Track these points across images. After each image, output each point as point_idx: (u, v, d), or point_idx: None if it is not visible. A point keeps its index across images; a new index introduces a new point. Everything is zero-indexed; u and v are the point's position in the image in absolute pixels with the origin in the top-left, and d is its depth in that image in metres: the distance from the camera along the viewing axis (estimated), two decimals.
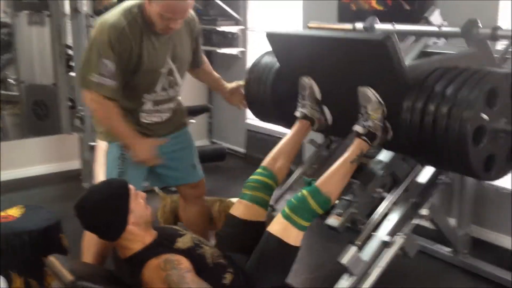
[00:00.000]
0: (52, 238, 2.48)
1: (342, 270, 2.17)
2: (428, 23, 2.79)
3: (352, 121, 2.18)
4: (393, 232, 2.21)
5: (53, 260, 1.89)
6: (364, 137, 2.11)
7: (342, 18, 3.93)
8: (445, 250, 3.12)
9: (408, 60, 2.75)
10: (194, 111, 4.29)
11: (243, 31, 5.00)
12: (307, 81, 2.35)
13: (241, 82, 2.80)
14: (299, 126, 2.40)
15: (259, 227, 2.16)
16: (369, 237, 2.23)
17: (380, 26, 2.76)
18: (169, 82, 2.40)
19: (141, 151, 2.34)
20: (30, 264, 2.39)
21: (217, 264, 1.95)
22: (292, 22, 4.54)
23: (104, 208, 1.85)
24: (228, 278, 1.95)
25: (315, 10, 4.26)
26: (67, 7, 4.70)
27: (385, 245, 2.20)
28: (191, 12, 2.42)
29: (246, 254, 2.09)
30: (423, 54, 2.76)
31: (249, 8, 4.96)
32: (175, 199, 2.90)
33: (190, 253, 1.90)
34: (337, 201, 2.40)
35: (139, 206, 1.90)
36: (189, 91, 4.97)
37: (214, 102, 5.46)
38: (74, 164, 4.57)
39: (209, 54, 5.34)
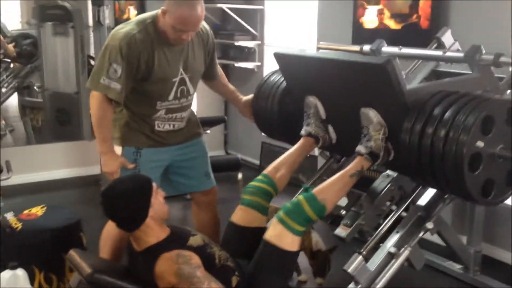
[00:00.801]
0: (72, 236, 2.58)
1: (350, 280, 2.22)
2: (440, 43, 2.88)
3: (356, 140, 2.23)
4: (399, 244, 2.25)
5: (73, 254, 2.00)
6: (367, 156, 2.17)
7: (356, 35, 4.02)
8: (456, 267, 3.15)
9: (420, 77, 2.85)
10: (210, 122, 4.37)
11: (260, 46, 5.12)
12: (312, 100, 2.41)
13: None
14: (304, 142, 2.46)
15: (258, 233, 2.19)
16: (376, 248, 2.27)
17: (386, 48, 2.81)
18: (181, 92, 2.50)
19: (107, 163, 2.42)
20: (51, 260, 2.49)
21: (224, 266, 2.03)
22: (307, 37, 4.65)
23: (128, 199, 1.96)
24: (234, 281, 2.02)
25: (330, 27, 4.36)
26: (90, 19, 4.86)
27: (391, 256, 2.23)
28: (205, 26, 2.54)
29: (247, 259, 2.16)
30: (434, 72, 2.86)
31: (266, 24, 5.08)
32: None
33: (201, 251, 1.99)
34: (343, 212, 2.48)
35: (159, 202, 2.01)
36: (205, 102, 5.11)
37: (230, 113, 5.56)
38: (94, 169, 4.66)
39: (226, 67, 5.46)
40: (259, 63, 5.13)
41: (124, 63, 2.30)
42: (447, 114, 1.94)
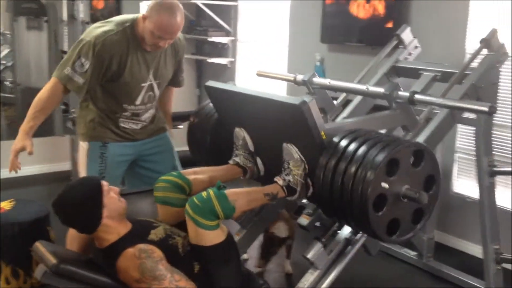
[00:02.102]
0: (40, 230, 2.58)
1: (310, 266, 2.29)
2: (400, 39, 2.98)
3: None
4: (356, 231, 2.31)
5: (39, 245, 2.01)
6: (284, 188, 2.18)
7: (325, 27, 4.11)
8: (411, 253, 3.30)
9: (381, 72, 2.94)
10: (182, 117, 4.37)
11: (233, 42, 5.18)
12: (241, 133, 2.41)
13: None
14: (230, 167, 2.42)
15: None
16: (334, 235, 2.35)
17: (317, 80, 2.86)
18: (149, 97, 2.55)
19: (16, 141, 2.46)
20: (19, 254, 2.49)
21: (187, 254, 2.05)
22: (280, 33, 4.73)
23: (78, 205, 1.98)
24: (196, 267, 2.04)
25: (301, 23, 4.46)
26: (64, 14, 4.86)
27: (348, 242, 2.31)
28: (181, 37, 2.58)
29: None
30: (394, 68, 2.95)
31: (239, 20, 5.14)
32: None
33: (162, 244, 2.01)
34: (306, 201, 2.56)
35: (112, 200, 2.02)
36: (178, 97, 5.09)
37: None
38: (65, 165, 4.69)
39: (200, 63, 5.53)
40: (232, 59, 5.19)
41: (93, 60, 2.32)
42: (358, 153, 1.98)
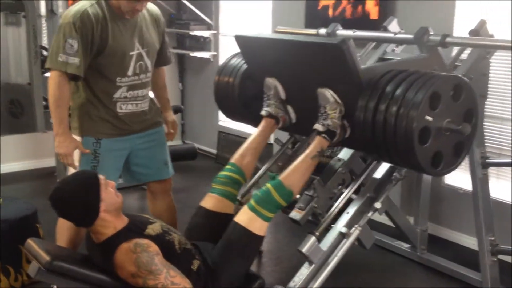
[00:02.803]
0: (29, 227, 2.58)
1: (305, 260, 2.29)
2: (386, 31, 2.99)
3: (314, 120, 2.31)
4: (350, 224, 2.34)
5: (31, 242, 1.99)
6: (324, 135, 2.26)
7: (309, 24, 4.11)
8: (405, 246, 3.31)
9: (368, 64, 2.95)
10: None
11: (215, 36, 5.15)
12: (272, 82, 2.48)
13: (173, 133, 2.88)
14: (265, 124, 2.53)
15: (227, 218, 2.26)
16: (328, 228, 2.36)
17: (341, 31, 2.93)
18: (140, 67, 2.53)
19: (61, 144, 2.41)
20: (8, 251, 2.49)
21: (184, 251, 2.07)
22: (262, 27, 4.70)
23: (76, 198, 1.96)
24: (195, 264, 2.06)
25: (284, 15, 4.44)
26: (42, 9, 4.78)
27: (343, 236, 2.31)
28: (156, 8, 2.62)
29: (213, 243, 2.21)
30: (382, 60, 2.96)
31: (221, 14, 5.11)
32: None
33: (159, 239, 2.01)
34: (298, 196, 2.56)
35: (110, 195, 2.01)
36: None
37: (186, 103, 5.58)
38: (49, 161, 4.63)
39: (182, 57, 5.49)
40: (214, 53, 5.16)
41: (79, 37, 2.32)
42: (398, 92, 2.04)
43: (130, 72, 2.50)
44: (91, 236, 2.04)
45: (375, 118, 2.08)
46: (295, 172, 2.24)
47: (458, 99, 2.10)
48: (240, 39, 2.52)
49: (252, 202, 2.17)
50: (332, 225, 2.37)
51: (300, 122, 2.53)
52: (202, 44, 5.20)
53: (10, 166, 4.69)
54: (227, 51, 5.07)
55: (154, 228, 2.07)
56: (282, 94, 2.49)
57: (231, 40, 4.96)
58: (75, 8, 2.37)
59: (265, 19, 4.64)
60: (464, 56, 2.62)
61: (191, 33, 5.07)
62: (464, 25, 3.21)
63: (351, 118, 2.22)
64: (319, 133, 2.28)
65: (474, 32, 2.56)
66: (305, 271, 2.28)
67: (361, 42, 3.57)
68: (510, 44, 2.37)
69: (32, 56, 4.61)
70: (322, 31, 2.96)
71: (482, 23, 2.56)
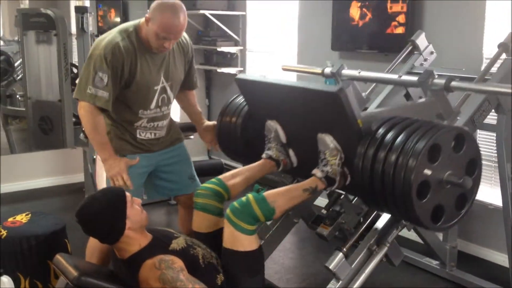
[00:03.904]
0: (57, 242, 2.59)
1: (332, 278, 2.26)
2: (414, 45, 2.97)
3: (316, 164, 2.25)
4: (378, 241, 2.30)
5: (60, 258, 2.02)
6: (323, 179, 2.19)
7: (335, 39, 4.11)
8: (433, 263, 3.23)
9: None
10: (193, 128, 4.39)
11: (242, 51, 5.17)
12: (273, 125, 2.43)
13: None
14: (264, 162, 2.45)
15: (221, 233, 2.15)
16: (355, 245, 2.33)
17: (346, 71, 2.86)
18: (162, 100, 2.54)
19: (112, 167, 2.43)
20: (36, 267, 2.50)
21: (208, 265, 2.05)
22: (288, 42, 4.72)
23: (103, 215, 1.97)
24: (219, 279, 2.05)
25: (310, 31, 4.44)
26: (73, 27, 4.88)
27: (370, 252, 2.28)
28: (185, 36, 2.59)
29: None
30: (410, 74, 2.93)
31: (247, 30, 5.14)
32: None
33: (184, 254, 2.01)
34: (325, 212, 2.53)
35: (135, 212, 2.02)
36: None
37: (213, 119, 5.58)
38: (78, 177, 4.69)
39: (209, 73, 5.54)
40: (241, 68, 5.18)
41: (109, 71, 2.33)
42: (398, 141, 1.97)
43: (153, 105, 2.52)
44: (115, 253, 2.05)
45: (373, 167, 2.01)
46: (283, 195, 2.16)
47: (460, 150, 2.02)
48: (240, 82, 2.49)
49: (229, 214, 2.05)
50: (359, 241, 2.34)
51: (302, 166, 2.45)
52: (229, 60, 5.24)
53: (40, 182, 4.77)
54: (254, 67, 5.11)
55: (179, 242, 2.07)
56: (283, 138, 2.43)
57: (258, 56, 5.05)
58: (107, 39, 2.38)
59: (292, 35, 4.65)
60: (494, 69, 2.56)
61: (218, 49, 5.11)
62: (493, 40, 3.16)
63: (351, 166, 2.14)
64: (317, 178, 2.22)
65: (503, 46, 2.52)
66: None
67: (387, 57, 3.58)
68: None
69: (62, 74, 4.69)
70: (328, 70, 2.91)
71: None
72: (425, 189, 1.95)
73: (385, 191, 1.98)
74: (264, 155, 2.46)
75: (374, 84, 2.96)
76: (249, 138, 2.67)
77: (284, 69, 3.28)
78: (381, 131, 2.05)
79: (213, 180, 2.34)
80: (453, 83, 2.34)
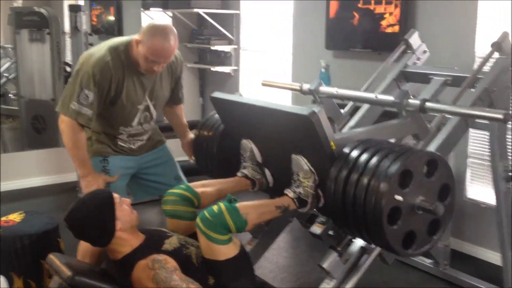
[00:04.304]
0: (51, 241, 2.58)
1: (326, 276, 2.26)
2: (408, 44, 2.97)
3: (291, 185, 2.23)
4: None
5: (53, 257, 2.00)
6: (294, 200, 2.16)
7: (329, 39, 4.11)
8: (427, 261, 3.24)
9: (390, 77, 2.92)
10: None
11: (236, 50, 5.17)
12: (248, 144, 2.40)
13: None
14: (239, 179, 2.41)
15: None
16: (349, 243, 2.34)
17: (324, 88, 2.83)
18: (145, 117, 2.54)
19: (90, 183, 2.38)
20: (30, 266, 2.50)
21: (201, 265, 2.03)
22: (282, 40, 4.72)
23: (92, 219, 1.96)
24: (211, 280, 2.03)
25: (304, 30, 4.45)
26: (66, 26, 4.87)
27: (364, 251, 2.27)
28: (177, 55, 2.54)
29: None
30: (403, 73, 2.94)
31: (241, 29, 5.14)
32: None
33: (177, 254, 1.99)
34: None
35: (125, 213, 2.00)
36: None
37: None
38: (71, 176, 4.66)
39: (203, 72, 5.54)
40: (235, 67, 5.18)
41: (96, 89, 2.31)
42: (370, 164, 1.93)
43: (134, 123, 2.52)
44: (108, 254, 2.04)
45: (345, 190, 1.96)
46: (255, 208, 2.10)
47: (432, 175, 1.98)
48: (215, 100, 2.45)
49: (201, 225, 1.97)
50: (353, 240, 2.35)
51: (278, 185, 2.40)
52: (223, 58, 5.24)
53: (33, 181, 4.75)
54: (248, 65, 5.11)
55: (171, 242, 2.05)
56: (258, 157, 2.40)
57: (252, 55, 5.05)
58: (96, 56, 2.34)
59: (286, 34, 4.65)
60: (486, 68, 2.57)
61: (212, 48, 5.11)
62: (485, 39, 3.18)
63: (324, 188, 2.10)
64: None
65: (496, 45, 2.52)
66: (326, 286, 2.24)
67: (380, 56, 3.59)
68: (494, 115, 2.15)
69: (56, 73, 4.69)
70: (306, 86, 2.88)
71: (505, 35, 2.52)
72: (396, 214, 1.90)
73: (356, 215, 1.94)
74: (239, 174, 2.41)
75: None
76: (225, 156, 2.61)
77: (264, 85, 3.23)
78: (354, 153, 2.00)
79: (180, 186, 2.29)
80: (428, 104, 2.32)
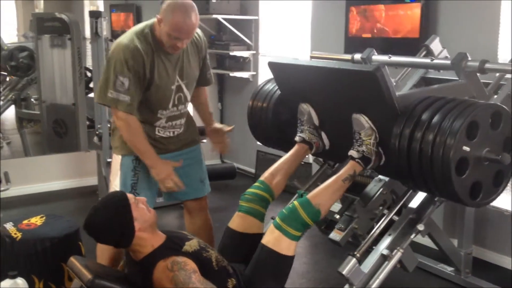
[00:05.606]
0: (71, 245, 2.61)
1: (345, 283, 2.25)
2: (428, 50, 2.95)
3: (348, 146, 2.29)
4: (392, 246, 2.30)
5: (74, 260, 2.04)
6: (359, 160, 2.23)
7: (348, 44, 4.10)
8: (448, 269, 3.21)
9: (410, 83, 2.91)
10: (204, 131, 4.41)
11: (255, 56, 5.18)
12: (305, 108, 2.47)
13: (228, 128, 2.86)
14: (298, 148, 2.51)
15: (256, 239, 2.22)
16: (369, 250, 2.32)
17: (376, 57, 2.89)
18: (179, 98, 2.56)
19: (160, 171, 2.46)
20: (50, 269, 2.52)
21: (221, 269, 2.06)
22: (301, 47, 4.71)
23: (110, 223, 1.99)
24: (231, 283, 2.05)
25: (323, 35, 4.44)
26: (87, 31, 4.91)
27: (384, 258, 2.28)
28: (199, 32, 2.59)
29: (244, 264, 2.20)
30: (423, 79, 2.92)
31: (260, 34, 5.15)
32: None
33: (197, 256, 2.02)
34: (338, 217, 2.52)
35: (142, 212, 2.03)
36: None
37: (225, 123, 5.60)
38: (92, 180, 4.71)
39: (221, 77, 5.55)
40: (254, 73, 5.19)
41: (130, 75, 2.34)
42: (435, 119, 2.00)
43: (170, 105, 2.53)
44: (130, 254, 2.06)
45: (410, 146, 2.04)
46: (325, 192, 2.21)
47: (497, 127, 2.04)
48: (273, 66, 2.52)
49: (278, 220, 2.14)
50: (373, 247, 2.33)
51: (334, 148, 2.51)
52: (241, 64, 5.26)
53: (54, 185, 4.80)
54: (266, 71, 5.09)
55: (192, 244, 2.07)
56: (316, 120, 2.48)
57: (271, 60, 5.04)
58: (125, 40, 2.38)
59: (304, 40, 4.65)
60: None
61: (231, 53, 5.12)
62: (508, 47, 3.14)
63: (386, 146, 2.18)
64: (353, 159, 2.26)
65: None
66: None
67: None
68: None
69: (76, 77, 4.72)
70: (357, 56, 2.93)
71: None
72: (463, 166, 1.97)
73: (423, 169, 2.00)
74: (297, 138, 2.51)
75: (404, 70, 2.96)
76: (280, 124, 2.72)
77: (313, 57, 3.30)
78: (417, 110, 2.07)
79: (257, 185, 2.41)
80: (487, 65, 2.38)
